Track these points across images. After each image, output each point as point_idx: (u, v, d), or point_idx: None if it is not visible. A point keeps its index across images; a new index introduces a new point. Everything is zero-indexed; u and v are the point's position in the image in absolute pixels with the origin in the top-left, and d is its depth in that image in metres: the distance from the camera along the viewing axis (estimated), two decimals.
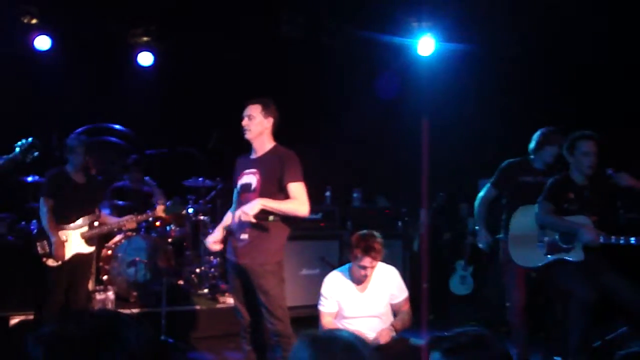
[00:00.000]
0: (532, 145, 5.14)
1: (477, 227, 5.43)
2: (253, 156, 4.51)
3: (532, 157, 5.17)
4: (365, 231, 4.53)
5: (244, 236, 4.34)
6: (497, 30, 7.44)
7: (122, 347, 1.70)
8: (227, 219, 4.61)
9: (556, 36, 7.05)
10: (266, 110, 4.41)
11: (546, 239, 4.76)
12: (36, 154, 4.72)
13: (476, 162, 7.67)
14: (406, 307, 4.73)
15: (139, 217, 5.52)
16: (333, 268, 6.23)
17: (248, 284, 4.40)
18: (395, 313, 4.71)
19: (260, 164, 4.40)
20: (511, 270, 5.07)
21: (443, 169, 7.80)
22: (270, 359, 4.50)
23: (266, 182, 4.32)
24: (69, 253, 5.23)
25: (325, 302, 4.65)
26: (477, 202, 5.40)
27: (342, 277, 4.67)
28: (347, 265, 4.73)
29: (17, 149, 4.68)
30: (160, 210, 5.46)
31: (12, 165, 4.72)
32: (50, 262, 5.19)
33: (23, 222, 6.44)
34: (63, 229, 5.23)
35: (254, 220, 4.20)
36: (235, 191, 4.58)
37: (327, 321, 4.62)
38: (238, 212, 4.26)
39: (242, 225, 4.32)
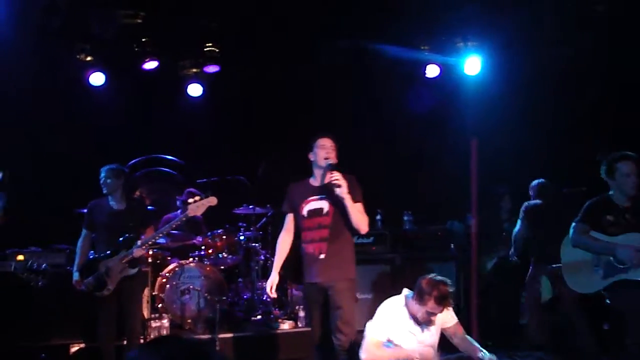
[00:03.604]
0: None
1: None
2: (316, 183, 4.91)
3: None
4: (437, 277, 4.42)
5: (322, 256, 4.73)
6: (546, 45, 7.33)
7: None
8: (281, 258, 4.99)
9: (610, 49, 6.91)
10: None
11: (602, 261, 4.62)
12: None
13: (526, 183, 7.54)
14: (461, 331, 4.63)
15: (172, 223, 5.38)
16: (385, 293, 6.20)
17: (324, 301, 4.76)
18: (450, 338, 4.61)
19: (328, 190, 4.77)
20: None
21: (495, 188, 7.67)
22: None
23: (337, 205, 4.73)
24: (114, 282, 5.29)
25: (376, 329, 4.52)
26: None
27: (401, 312, 4.50)
28: (407, 298, 4.56)
29: None
30: (190, 209, 5.23)
31: None
32: (98, 294, 5.29)
33: None
34: (102, 259, 5.32)
35: (344, 188, 4.62)
36: (286, 215, 5.00)
37: (374, 343, 4.47)
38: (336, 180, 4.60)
39: (319, 247, 4.75)
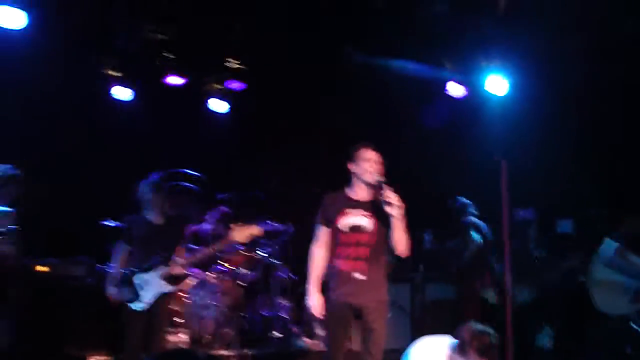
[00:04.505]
0: None
1: None
2: (355, 196, 4.60)
3: None
4: (480, 327, 4.14)
5: (360, 276, 4.45)
6: (571, 66, 7.24)
7: None
8: (318, 274, 4.60)
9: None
10: None
11: (633, 286, 4.49)
12: None
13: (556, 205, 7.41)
14: None
15: (214, 246, 5.41)
16: (405, 312, 6.12)
17: (352, 321, 4.53)
18: None
19: (374, 207, 4.50)
20: None
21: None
22: None
23: (381, 225, 4.46)
24: (150, 296, 5.23)
25: None
26: None
27: None
28: (450, 348, 4.23)
29: None
30: (234, 233, 5.23)
31: None
32: (134, 306, 5.22)
33: (101, 265, 6.63)
34: (139, 273, 5.27)
35: (401, 210, 4.31)
36: (320, 228, 4.62)
37: None
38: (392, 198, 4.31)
39: (357, 266, 4.46)
